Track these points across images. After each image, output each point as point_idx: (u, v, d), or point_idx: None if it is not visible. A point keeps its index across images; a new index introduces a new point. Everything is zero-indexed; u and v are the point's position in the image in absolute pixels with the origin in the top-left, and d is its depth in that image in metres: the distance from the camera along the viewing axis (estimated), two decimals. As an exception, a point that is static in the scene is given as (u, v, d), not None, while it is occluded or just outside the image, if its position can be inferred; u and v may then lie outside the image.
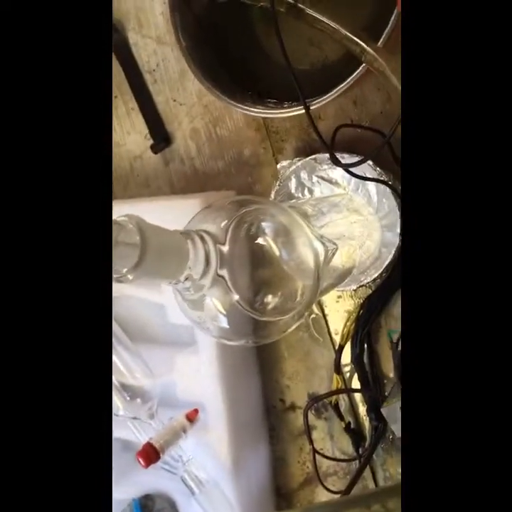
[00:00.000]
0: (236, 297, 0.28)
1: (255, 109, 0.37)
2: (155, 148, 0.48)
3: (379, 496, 0.26)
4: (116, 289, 0.47)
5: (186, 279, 0.25)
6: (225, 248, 0.27)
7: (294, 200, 0.40)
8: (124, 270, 0.21)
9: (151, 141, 0.48)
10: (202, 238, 0.25)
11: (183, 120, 0.46)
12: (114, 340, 0.47)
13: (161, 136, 0.47)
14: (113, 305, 0.48)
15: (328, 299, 0.43)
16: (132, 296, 0.47)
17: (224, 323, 0.28)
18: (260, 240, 0.30)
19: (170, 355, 0.45)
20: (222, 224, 0.28)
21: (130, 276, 0.21)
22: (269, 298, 0.30)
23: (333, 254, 0.31)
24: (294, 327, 0.30)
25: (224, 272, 0.27)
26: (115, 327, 0.48)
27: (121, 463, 0.49)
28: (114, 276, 0.22)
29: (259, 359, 0.47)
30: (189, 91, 0.45)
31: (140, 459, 0.40)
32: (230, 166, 0.45)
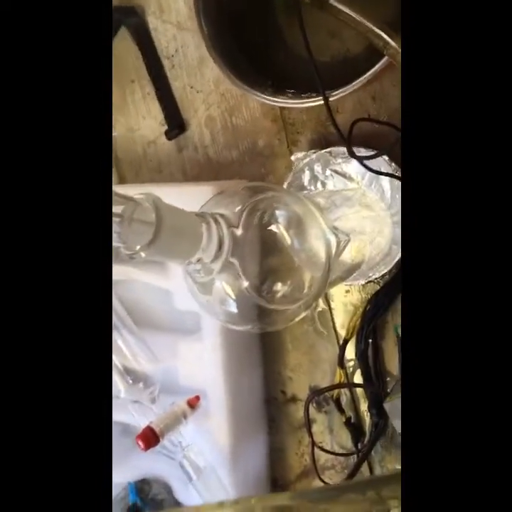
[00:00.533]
0: (245, 283, 0.28)
1: (273, 99, 0.37)
2: (169, 135, 0.48)
3: (374, 484, 0.26)
4: (124, 272, 0.47)
5: (198, 261, 0.25)
6: (238, 232, 0.27)
7: (306, 191, 0.40)
8: (137, 247, 0.22)
9: (166, 127, 0.48)
10: (216, 221, 0.25)
11: (199, 107, 0.46)
12: (119, 323, 0.47)
13: (176, 123, 0.47)
14: (120, 289, 0.48)
15: (336, 293, 0.43)
16: (140, 280, 0.47)
17: (232, 307, 0.29)
18: (273, 228, 0.30)
19: (174, 341, 0.45)
20: (236, 209, 0.28)
21: (143, 254, 0.22)
22: (278, 286, 0.30)
23: (345, 246, 0.31)
24: (300, 317, 0.30)
25: (235, 258, 0.27)
26: (121, 311, 0.48)
27: (119, 447, 0.49)
28: (127, 253, 0.22)
29: (262, 350, 0.47)
30: (207, 78, 0.45)
31: (139, 442, 0.40)
32: (243, 156, 0.45)
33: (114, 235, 0.22)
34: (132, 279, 0.47)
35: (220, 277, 0.27)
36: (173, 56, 0.47)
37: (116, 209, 0.22)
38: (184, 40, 0.46)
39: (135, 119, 0.49)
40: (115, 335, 0.46)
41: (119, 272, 0.47)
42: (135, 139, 0.50)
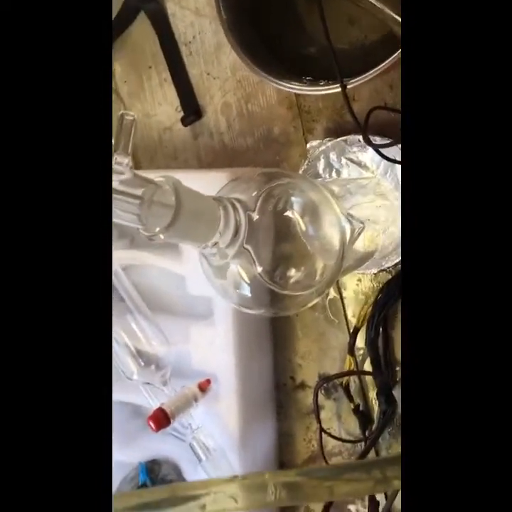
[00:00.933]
0: (259, 269, 0.29)
1: (290, 85, 0.37)
2: (185, 121, 0.48)
3: (379, 464, 0.26)
4: (138, 257, 0.48)
5: (214, 244, 0.25)
6: (254, 217, 0.27)
7: (321, 180, 0.40)
8: (157, 229, 0.22)
9: (182, 114, 0.48)
10: (233, 206, 0.26)
11: (216, 94, 0.47)
12: (133, 307, 0.48)
13: (192, 109, 0.48)
14: (135, 273, 0.49)
15: (348, 281, 0.43)
16: (154, 265, 0.47)
17: (245, 291, 0.29)
18: (288, 214, 0.30)
19: (186, 325, 0.46)
20: (252, 194, 0.28)
21: (162, 236, 0.22)
22: (291, 272, 0.31)
23: (359, 233, 0.31)
24: (312, 303, 0.30)
25: (249, 244, 0.27)
26: (135, 295, 0.48)
27: (130, 427, 0.50)
28: (146, 234, 0.22)
29: (273, 336, 0.47)
30: (224, 65, 0.46)
31: (151, 423, 0.41)
32: (258, 143, 0.45)
33: (134, 217, 0.22)
34: (147, 264, 0.48)
35: (234, 261, 0.28)
36: (190, 42, 0.47)
37: (136, 191, 0.22)
38: (202, 26, 0.46)
39: (151, 105, 0.50)
40: (129, 318, 0.47)
41: (134, 256, 0.48)
42: (151, 125, 0.50)
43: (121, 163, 0.21)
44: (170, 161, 0.50)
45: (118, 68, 0.50)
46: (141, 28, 0.49)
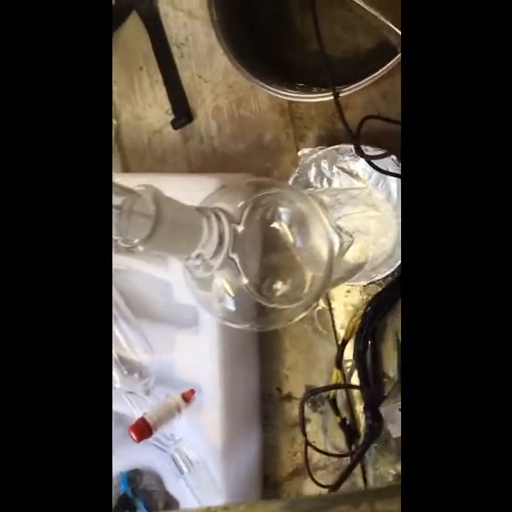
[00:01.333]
0: (245, 281, 0.28)
1: (282, 92, 0.36)
2: (175, 124, 0.47)
3: (368, 496, 0.25)
4: (124, 262, 0.46)
5: (197, 256, 0.24)
6: (239, 229, 0.26)
7: (311, 189, 0.39)
8: (136, 240, 0.21)
9: (172, 117, 0.47)
10: (217, 217, 0.25)
11: (207, 97, 0.46)
12: (117, 313, 0.47)
13: (182, 112, 0.47)
14: (120, 279, 0.48)
15: (337, 293, 0.42)
16: (140, 271, 0.46)
17: (230, 305, 0.28)
18: (275, 225, 0.30)
19: (171, 333, 0.45)
20: (239, 205, 0.27)
21: (141, 248, 0.21)
22: (278, 285, 0.30)
23: (348, 247, 0.31)
24: (300, 317, 0.29)
25: (235, 254, 0.26)
26: (119, 301, 0.47)
27: (112, 436, 0.49)
28: (125, 246, 0.21)
29: (260, 347, 0.46)
30: (215, 68, 0.45)
31: (132, 434, 0.40)
32: (249, 149, 0.44)
33: (112, 228, 0.21)
34: (132, 270, 0.47)
35: (219, 274, 0.27)
36: (182, 44, 0.46)
37: (115, 201, 0.21)
38: (195, 28, 0.45)
39: (142, 107, 0.49)
40: (112, 325, 0.46)
41: (120, 261, 0.47)
42: (141, 127, 0.49)
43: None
44: (159, 164, 0.49)
45: (108, 68, 0.49)
46: (133, 28, 0.48)
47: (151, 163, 0.49)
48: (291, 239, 0.30)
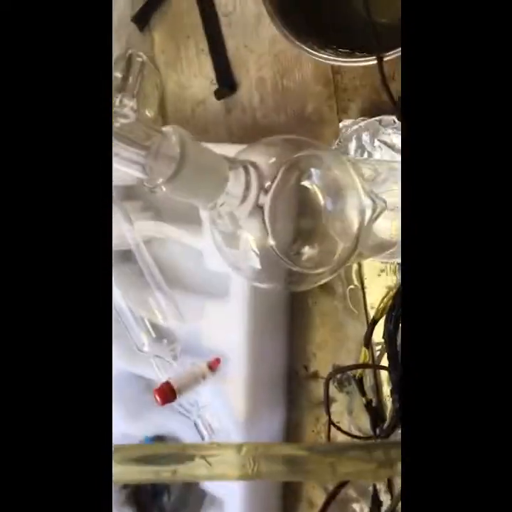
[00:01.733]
0: (272, 242, 0.27)
1: (326, 56, 0.36)
2: (219, 94, 0.47)
3: (383, 445, 0.25)
4: (161, 230, 0.47)
5: (222, 205, 0.24)
6: (272, 187, 0.26)
7: (352, 157, 0.38)
8: (159, 181, 0.21)
9: (216, 87, 0.47)
10: (246, 169, 0.24)
11: (251, 68, 0.45)
12: (150, 280, 0.47)
13: (227, 82, 0.46)
14: (155, 246, 0.48)
15: (369, 272, 0.41)
16: (174, 238, 0.47)
17: (256, 263, 0.28)
18: (310, 191, 0.29)
19: (201, 302, 0.45)
20: (270, 161, 0.27)
21: (163, 188, 0.21)
22: (306, 249, 0.29)
23: (381, 213, 0.29)
24: (326, 280, 0.28)
25: (265, 211, 0.26)
26: (154, 269, 0.48)
27: (139, 402, 0.50)
28: (148, 186, 0.21)
29: (290, 322, 0.46)
30: (262, 37, 0.44)
31: (157, 396, 0.41)
32: (291, 121, 0.44)
33: (138, 167, 0.21)
34: (167, 237, 0.47)
35: (246, 228, 0.26)
36: (230, 13, 0.46)
37: (142, 140, 0.21)
38: (243, -4, 0.45)
39: (187, 76, 0.49)
40: (146, 292, 0.46)
41: (157, 229, 0.47)
42: (185, 97, 0.49)
43: (125, 105, 0.20)
44: (201, 134, 0.49)
45: (156, 38, 0.50)
46: (182, -2, 0.48)
47: (193, 133, 0.49)
48: (324, 206, 0.29)
